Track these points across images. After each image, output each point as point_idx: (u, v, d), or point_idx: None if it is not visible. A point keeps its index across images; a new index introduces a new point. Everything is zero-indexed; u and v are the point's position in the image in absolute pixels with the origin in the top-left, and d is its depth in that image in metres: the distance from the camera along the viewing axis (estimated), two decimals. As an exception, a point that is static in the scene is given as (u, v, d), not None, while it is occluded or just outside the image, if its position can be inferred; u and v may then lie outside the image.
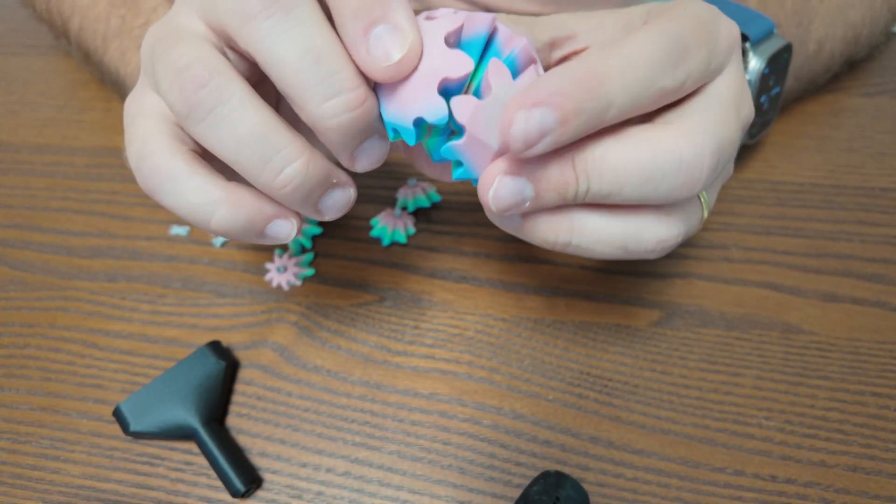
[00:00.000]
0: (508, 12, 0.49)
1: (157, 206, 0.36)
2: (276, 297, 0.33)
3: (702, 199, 0.22)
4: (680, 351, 0.30)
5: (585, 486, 0.27)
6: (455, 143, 0.19)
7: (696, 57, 0.19)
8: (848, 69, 0.40)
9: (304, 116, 0.18)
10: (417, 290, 0.33)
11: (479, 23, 0.19)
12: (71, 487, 0.28)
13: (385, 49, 0.17)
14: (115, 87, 0.37)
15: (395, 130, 0.19)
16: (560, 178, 0.18)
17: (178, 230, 0.35)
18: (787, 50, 0.31)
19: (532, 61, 0.20)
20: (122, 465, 0.29)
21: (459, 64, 0.18)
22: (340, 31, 0.18)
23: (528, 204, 0.19)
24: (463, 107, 0.18)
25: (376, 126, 0.19)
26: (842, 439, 0.28)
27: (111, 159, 0.38)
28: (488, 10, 0.51)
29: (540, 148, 0.17)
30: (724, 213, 0.35)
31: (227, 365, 0.29)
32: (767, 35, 0.31)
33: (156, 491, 0.28)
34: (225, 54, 0.20)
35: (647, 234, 0.21)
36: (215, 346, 0.29)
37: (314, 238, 0.35)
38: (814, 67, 0.35)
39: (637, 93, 0.18)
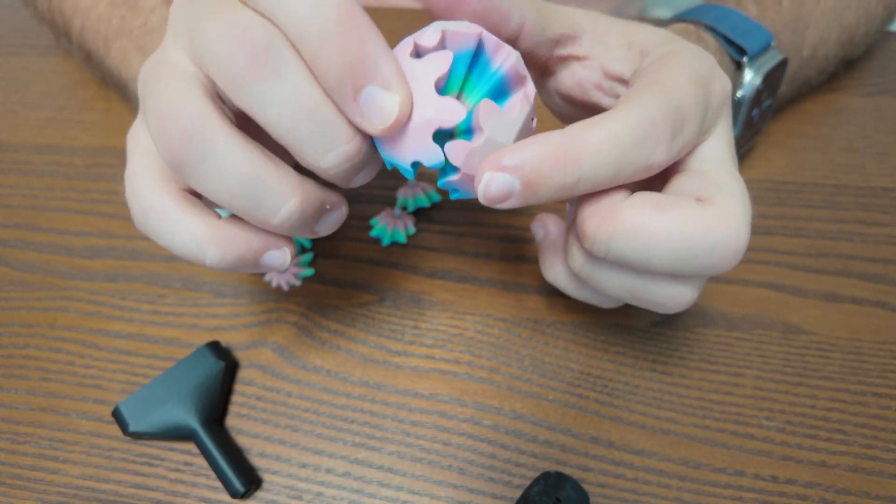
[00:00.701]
0: None
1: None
2: (276, 297, 0.33)
3: None
4: (680, 351, 0.30)
5: (586, 487, 0.27)
6: (451, 179, 0.19)
7: (692, 126, 0.19)
8: (846, 68, 0.40)
9: (303, 164, 0.18)
10: (417, 290, 0.33)
11: (464, 40, 0.19)
12: (70, 488, 0.28)
13: (377, 111, 0.17)
14: (118, 90, 0.37)
15: (393, 165, 0.20)
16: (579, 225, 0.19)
17: (177, 230, 0.35)
18: (782, 64, 0.31)
19: (521, 80, 0.20)
20: (122, 465, 0.29)
21: (451, 113, 0.18)
22: (330, 95, 0.18)
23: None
24: (457, 152, 0.18)
25: (374, 154, 0.20)
26: (842, 440, 0.28)
27: (111, 159, 0.38)
28: None
29: (507, 205, 0.18)
30: (724, 213, 0.34)
31: (226, 365, 0.29)
32: (765, 49, 0.31)
33: (155, 491, 0.28)
34: (216, 93, 0.19)
35: (660, 291, 0.21)
36: (215, 347, 0.29)
37: (314, 238, 0.34)
38: (807, 72, 0.35)
39: (615, 169, 0.18)
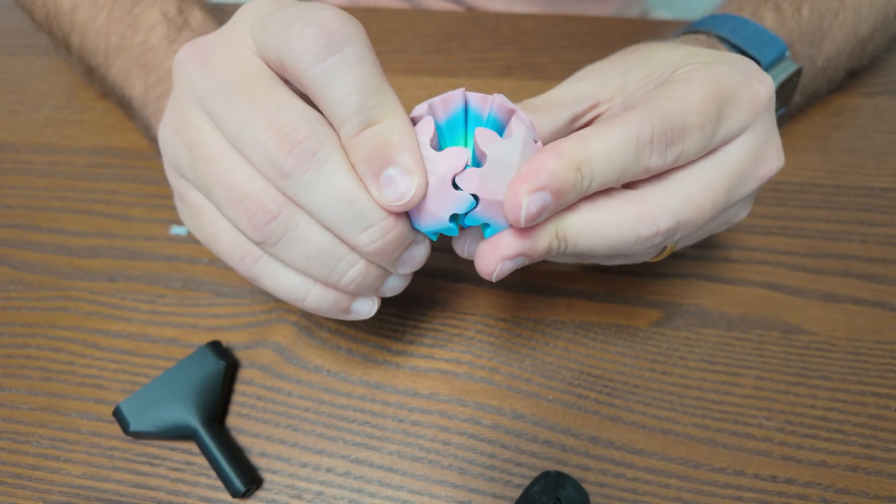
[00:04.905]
0: (507, 14, 0.49)
1: (157, 206, 0.36)
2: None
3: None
4: (680, 351, 0.30)
5: (586, 487, 0.27)
6: (475, 211, 0.21)
7: (695, 136, 0.21)
8: (849, 77, 0.40)
9: (345, 242, 0.21)
10: (417, 290, 0.33)
11: (453, 102, 0.21)
12: (71, 487, 0.28)
13: (395, 191, 0.19)
14: (121, 107, 0.36)
15: (436, 233, 0.21)
16: (546, 248, 0.21)
17: (178, 230, 0.35)
18: (797, 74, 0.31)
19: (510, 112, 0.21)
20: (123, 465, 0.29)
21: (457, 160, 0.20)
22: (356, 167, 0.20)
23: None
24: (469, 181, 0.20)
25: (413, 237, 0.22)
26: (842, 439, 0.28)
27: (111, 159, 0.38)
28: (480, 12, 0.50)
29: (539, 219, 0.20)
30: (724, 213, 0.35)
31: (227, 365, 0.29)
32: (779, 59, 0.31)
33: (156, 491, 0.28)
34: None
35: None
36: (215, 346, 0.29)
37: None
38: (819, 83, 0.35)
39: (620, 172, 0.20)
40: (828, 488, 0.27)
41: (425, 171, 0.20)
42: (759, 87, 0.22)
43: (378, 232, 0.20)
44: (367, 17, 0.44)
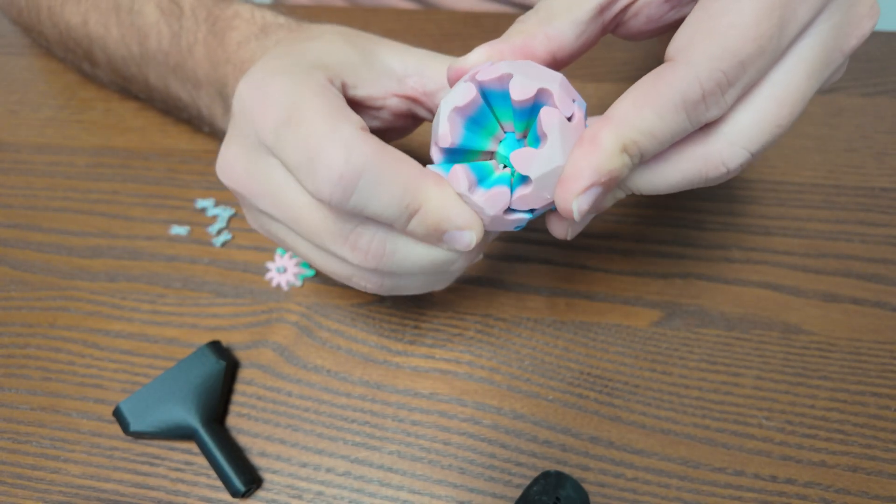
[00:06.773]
0: (508, 15, 0.49)
1: (158, 206, 0.36)
2: (276, 297, 0.33)
3: None
4: (680, 351, 0.30)
5: (586, 487, 0.27)
6: (525, 193, 0.20)
7: (755, 65, 0.18)
8: (846, 69, 0.40)
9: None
10: (417, 290, 0.33)
11: (471, 103, 0.20)
12: (71, 487, 0.28)
13: (458, 243, 0.21)
14: (172, 112, 0.36)
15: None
16: (619, 170, 0.20)
17: (178, 230, 0.35)
18: None
19: (536, 93, 0.20)
20: (123, 464, 0.29)
21: (501, 200, 0.21)
22: (422, 241, 0.22)
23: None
24: (521, 204, 0.21)
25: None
26: (842, 440, 0.28)
27: (111, 159, 0.38)
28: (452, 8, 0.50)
29: (596, 206, 0.20)
30: (724, 213, 0.35)
31: (227, 365, 0.29)
32: None
33: (156, 491, 0.28)
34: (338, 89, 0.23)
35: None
36: (215, 346, 0.29)
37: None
38: None
39: (673, 138, 0.19)
40: (828, 488, 0.27)
41: (477, 219, 0.21)
42: None
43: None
44: (367, 17, 0.44)
